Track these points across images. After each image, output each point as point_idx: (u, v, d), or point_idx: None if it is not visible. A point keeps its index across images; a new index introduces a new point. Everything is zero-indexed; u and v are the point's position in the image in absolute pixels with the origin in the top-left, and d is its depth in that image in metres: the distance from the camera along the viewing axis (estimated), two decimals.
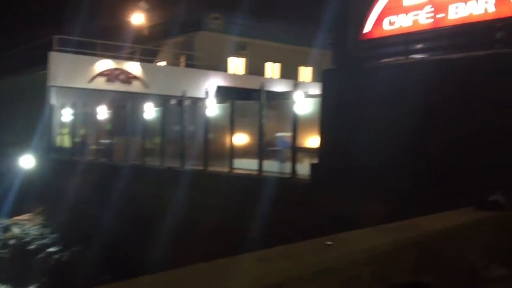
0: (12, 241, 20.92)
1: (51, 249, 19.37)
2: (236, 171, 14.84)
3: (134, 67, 28.93)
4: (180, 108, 18.83)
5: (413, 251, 5.39)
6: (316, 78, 31.12)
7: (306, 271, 4.18)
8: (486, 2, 9.41)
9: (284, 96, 15.66)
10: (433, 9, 10.24)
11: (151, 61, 32.20)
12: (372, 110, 10.07)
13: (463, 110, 8.88)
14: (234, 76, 33.07)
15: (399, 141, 9.49)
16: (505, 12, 9.13)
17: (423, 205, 7.87)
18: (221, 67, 32.12)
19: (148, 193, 17.11)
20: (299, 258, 4.37)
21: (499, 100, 8.56)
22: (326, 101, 11.74)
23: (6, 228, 21.79)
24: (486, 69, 8.79)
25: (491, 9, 9.36)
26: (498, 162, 8.31)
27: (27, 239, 20.83)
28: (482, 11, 9.48)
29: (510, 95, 8.52)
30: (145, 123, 20.15)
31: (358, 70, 11.10)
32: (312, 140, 14.18)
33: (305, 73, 36.84)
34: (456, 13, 9.91)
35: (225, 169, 15.07)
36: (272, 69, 36.22)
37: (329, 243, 4.91)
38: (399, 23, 10.80)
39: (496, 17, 9.29)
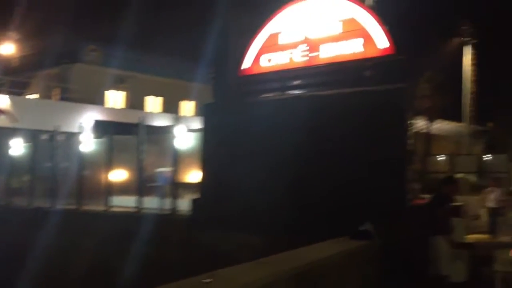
0: None
1: None
2: (113, 209, 14.15)
3: (1, 100, 26.87)
4: (52, 143, 17.71)
5: (292, 283, 5.40)
6: (199, 112, 31.21)
7: None
8: (355, 43, 10.10)
9: (165, 131, 15.36)
10: (307, 47, 10.77)
11: (21, 94, 30.19)
12: (250, 145, 10.19)
13: (338, 144, 9.31)
14: (113, 110, 31.99)
15: (278, 176, 9.68)
16: (372, 53, 9.85)
17: (302, 238, 8.00)
18: (98, 100, 30.99)
19: (14, 235, 15.65)
20: None
21: (370, 134, 9.12)
22: (207, 135, 11.70)
23: None
24: (356, 105, 9.34)
25: (360, 49, 10.06)
26: (370, 195, 8.78)
27: None
28: (351, 51, 10.16)
29: (380, 129, 9.10)
30: (13, 160, 18.68)
31: (237, 105, 11.25)
32: (194, 175, 14.00)
33: (188, 107, 36.80)
34: (327, 52, 10.52)
35: (101, 208, 14.31)
36: (153, 103, 35.70)
37: (208, 280, 4.76)
38: (276, 60, 11.19)
39: (364, 56, 9.99)
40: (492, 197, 12.98)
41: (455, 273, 7.47)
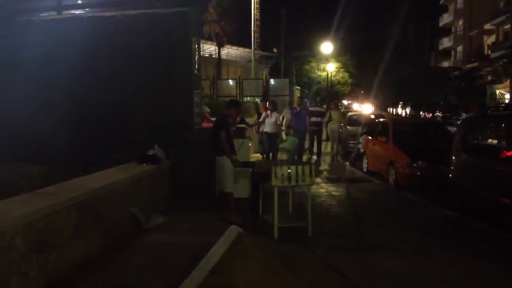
0: None
1: None
2: None
3: None
4: None
5: (73, 213, 5.20)
6: None
7: None
8: None
9: None
10: None
11: None
12: (25, 67, 9.14)
13: (121, 68, 8.86)
14: None
15: (54, 105, 8.90)
16: None
17: (83, 166, 7.70)
18: None
19: None
20: None
21: (156, 58, 8.86)
22: None
23: None
24: (140, 27, 8.94)
25: None
26: (158, 119, 8.68)
27: None
28: None
29: (165, 53, 8.90)
30: None
31: (8, 24, 9.89)
32: None
33: None
34: None
35: None
36: None
37: None
38: None
39: None
40: (270, 121, 13.14)
41: (239, 189, 8.08)
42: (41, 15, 10.13)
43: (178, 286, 4.69)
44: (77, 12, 10.16)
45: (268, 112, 13.30)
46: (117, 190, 6.39)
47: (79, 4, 10.13)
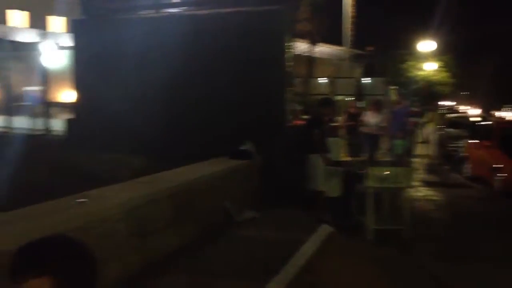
0: None
1: None
2: None
3: None
4: None
5: (169, 202, 5.35)
6: (70, 29, 28.98)
7: (50, 231, 3.75)
8: None
9: (31, 47, 14.04)
10: None
11: None
12: (125, 64, 9.58)
13: (216, 66, 9.03)
14: None
15: (153, 96, 9.27)
16: None
17: (178, 159, 7.91)
18: None
19: None
20: (42, 219, 3.92)
21: (250, 56, 8.97)
22: (78, 54, 10.81)
23: None
24: (234, 26, 9.07)
25: None
26: (251, 116, 8.77)
27: None
28: None
29: (259, 51, 8.98)
30: None
31: (109, 22, 10.42)
32: (68, 95, 13.16)
33: (57, 23, 33.87)
34: None
35: None
36: (18, 17, 32.36)
37: (82, 200, 4.56)
38: None
39: None
40: (374, 121, 12.23)
41: (330, 189, 7.92)
42: (140, 13, 10.57)
43: (268, 280, 4.65)
44: (174, 10, 10.46)
45: (370, 112, 12.79)
46: (210, 183, 6.50)
47: (176, 2, 10.43)
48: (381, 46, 33.75)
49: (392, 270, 5.51)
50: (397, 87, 29.78)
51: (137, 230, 4.73)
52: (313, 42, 27.10)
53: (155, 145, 8.82)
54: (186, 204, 5.77)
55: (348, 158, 12.33)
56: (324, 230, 6.55)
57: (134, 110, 9.20)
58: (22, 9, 32.39)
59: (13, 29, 26.60)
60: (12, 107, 12.82)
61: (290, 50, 9.15)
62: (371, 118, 12.49)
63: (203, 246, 5.66)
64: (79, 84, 10.73)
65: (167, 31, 9.34)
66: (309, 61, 26.70)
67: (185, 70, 9.16)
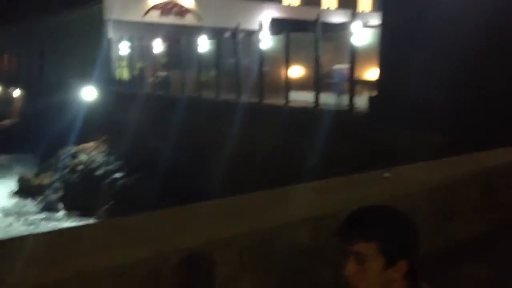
0: (80, 167, 22.07)
1: (116, 175, 20.34)
2: (292, 104, 14.76)
3: (187, 0, 28.67)
4: (234, 40, 18.62)
5: (473, 186, 5.26)
6: (377, 7, 29.82)
7: (362, 202, 4.17)
8: None
9: (341, 28, 15.10)
10: None
11: None
12: (430, 42, 9.47)
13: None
14: (289, 8, 32.12)
15: (462, 68, 8.95)
16: None
17: (482, 140, 7.56)
18: None
19: (204, 125, 17.40)
20: (356, 189, 4.37)
21: None
22: (385, 32, 11.22)
23: (74, 155, 22.96)
24: None
25: None
26: None
27: (93, 166, 21.89)
28: None
29: None
30: (200, 56, 20.17)
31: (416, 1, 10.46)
32: (371, 73, 13.79)
33: (365, 2, 35.28)
34: None
35: (281, 102, 15.01)
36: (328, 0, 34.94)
37: (387, 175, 4.86)
38: None
39: None
40: None
41: None
42: None
43: None
44: None
45: None
46: None
47: None
48: None
49: None
50: None
51: (439, 211, 4.84)
52: None
53: (458, 125, 8.62)
54: (492, 190, 5.58)
55: None
56: None
57: (437, 85, 9.12)
58: None
59: (325, 11, 28.98)
60: (320, 84, 14.07)
61: None
62: None
63: (507, 237, 5.39)
64: (383, 61, 11.17)
65: (475, 5, 8.92)
66: None
67: (495, 48, 8.63)
